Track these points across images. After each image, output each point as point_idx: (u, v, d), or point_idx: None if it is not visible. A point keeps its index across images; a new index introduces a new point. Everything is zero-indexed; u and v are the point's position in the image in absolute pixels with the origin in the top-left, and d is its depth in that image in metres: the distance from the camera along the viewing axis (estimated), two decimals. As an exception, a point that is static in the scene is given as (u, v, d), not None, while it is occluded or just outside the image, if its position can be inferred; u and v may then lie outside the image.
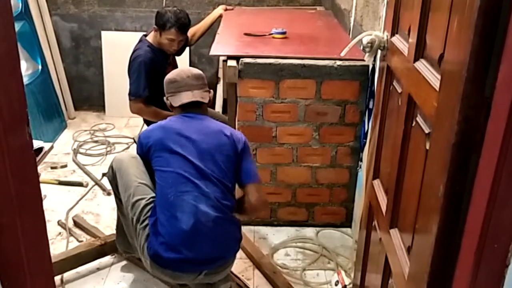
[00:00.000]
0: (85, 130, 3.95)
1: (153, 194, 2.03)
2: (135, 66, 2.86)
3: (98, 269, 2.43)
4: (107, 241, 2.44)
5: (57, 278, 2.33)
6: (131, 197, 2.04)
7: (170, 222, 1.92)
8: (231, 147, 2.05)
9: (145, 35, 3.03)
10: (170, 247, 1.90)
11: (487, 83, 0.88)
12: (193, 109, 2.13)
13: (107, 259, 2.49)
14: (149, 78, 2.87)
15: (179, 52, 3.19)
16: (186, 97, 2.12)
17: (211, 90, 2.24)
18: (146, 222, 1.98)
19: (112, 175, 2.17)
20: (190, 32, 3.27)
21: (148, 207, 2.00)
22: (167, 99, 2.20)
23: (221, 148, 2.04)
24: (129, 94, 2.89)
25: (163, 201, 1.96)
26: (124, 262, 2.47)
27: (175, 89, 2.15)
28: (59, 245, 2.60)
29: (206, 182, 1.96)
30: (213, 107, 4.04)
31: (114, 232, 2.40)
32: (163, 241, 1.91)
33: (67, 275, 2.37)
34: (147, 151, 2.07)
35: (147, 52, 2.87)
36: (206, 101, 2.17)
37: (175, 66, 3.20)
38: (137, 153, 2.17)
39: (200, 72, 2.22)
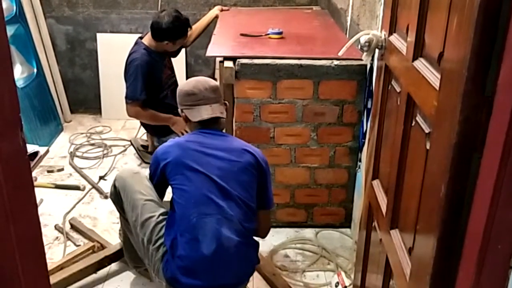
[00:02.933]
0: (82, 133, 3.93)
1: (162, 210, 1.96)
2: (131, 69, 2.85)
3: (96, 273, 2.41)
4: (107, 254, 2.38)
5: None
6: (139, 216, 1.95)
7: (190, 245, 1.83)
8: (255, 166, 1.95)
9: (141, 38, 3.02)
10: (189, 272, 1.82)
11: (488, 82, 0.87)
12: (212, 125, 2.03)
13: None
14: (146, 81, 2.86)
15: (175, 53, 3.18)
16: (205, 113, 2.00)
17: (227, 102, 2.15)
18: (160, 242, 1.90)
19: (116, 193, 2.09)
20: None
21: (160, 225, 1.92)
22: (181, 111, 2.07)
23: (246, 167, 1.93)
24: (126, 97, 2.88)
25: (184, 222, 1.85)
26: (122, 267, 2.44)
27: (193, 102, 2.02)
28: (56, 250, 2.58)
29: (230, 203, 1.86)
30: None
31: (111, 235, 2.38)
32: (182, 265, 1.82)
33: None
34: (164, 168, 1.95)
35: (143, 55, 2.86)
36: (225, 115, 2.07)
37: (172, 68, 3.18)
38: (151, 169, 2.06)
39: (216, 83, 2.12)
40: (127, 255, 2.28)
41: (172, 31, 2.84)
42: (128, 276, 2.39)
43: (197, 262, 1.82)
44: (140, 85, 2.83)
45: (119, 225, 2.39)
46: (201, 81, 2.09)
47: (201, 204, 1.86)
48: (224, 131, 2.17)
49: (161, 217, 1.94)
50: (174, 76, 3.22)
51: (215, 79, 3.93)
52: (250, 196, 1.93)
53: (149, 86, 2.84)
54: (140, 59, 2.84)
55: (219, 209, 1.85)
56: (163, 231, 1.92)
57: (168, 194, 2.07)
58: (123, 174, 2.12)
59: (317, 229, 2.77)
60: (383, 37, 1.60)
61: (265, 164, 2.00)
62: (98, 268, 2.38)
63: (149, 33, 2.93)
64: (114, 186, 2.11)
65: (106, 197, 3.00)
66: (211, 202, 1.86)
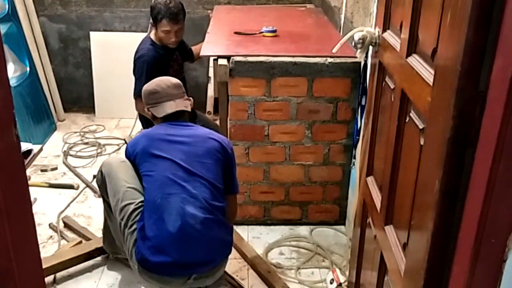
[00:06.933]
0: (75, 132, 3.91)
1: (142, 199, 2.02)
2: (138, 65, 2.85)
3: (91, 271, 2.40)
4: (97, 246, 2.42)
5: (49, 280, 2.31)
6: (119, 201, 2.02)
7: (157, 225, 1.90)
8: (220, 152, 2.06)
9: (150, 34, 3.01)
10: (158, 250, 1.88)
11: (482, 77, 0.87)
12: (177, 118, 2.14)
13: (100, 261, 2.46)
14: (152, 76, 2.86)
15: (185, 54, 3.16)
16: (169, 107, 2.12)
17: (191, 98, 2.25)
18: (134, 227, 1.96)
19: (101, 179, 2.15)
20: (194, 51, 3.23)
21: (137, 211, 1.98)
22: (148, 110, 2.20)
23: (210, 152, 2.04)
24: (134, 93, 2.87)
25: (151, 205, 1.94)
26: (117, 264, 2.44)
27: (157, 99, 2.15)
28: (50, 249, 2.57)
29: (195, 184, 1.95)
30: (204, 107, 4.02)
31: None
32: (151, 245, 1.89)
33: (59, 277, 2.35)
34: (134, 159, 2.08)
35: (149, 51, 2.87)
36: (189, 109, 2.19)
37: (181, 65, 3.16)
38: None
39: (178, 81, 2.24)
40: (105, 242, 2.35)
41: (164, 9, 2.82)
42: (123, 274, 2.39)
43: (164, 240, 1.88)
44: (146, 82, 2.85)
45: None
46: (163, 79, 2.24)
47: (165, 186, 1.94)
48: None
49: (140, 204, 2.00)
50: (183, 72, 3.21)
51: (209, 77, 3.94)
52: (215, 176, 2.01)
53: None
54: (147, 54, 2.85)
55: (182, 188, 1.93)
56: (139, 216, 1.97)
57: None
58: (110, 161, 2.20)
59: (311, 227, 2.77)
60: (376, 34, 1.60)
61: (230, 150, 2.11)
62: (88, 258, 2.41)
63: (152, 28, 2.93)
64: (100, 171, 2.17)
65: (100, 196, 2.98)
66: (174, 183, 1.94)
